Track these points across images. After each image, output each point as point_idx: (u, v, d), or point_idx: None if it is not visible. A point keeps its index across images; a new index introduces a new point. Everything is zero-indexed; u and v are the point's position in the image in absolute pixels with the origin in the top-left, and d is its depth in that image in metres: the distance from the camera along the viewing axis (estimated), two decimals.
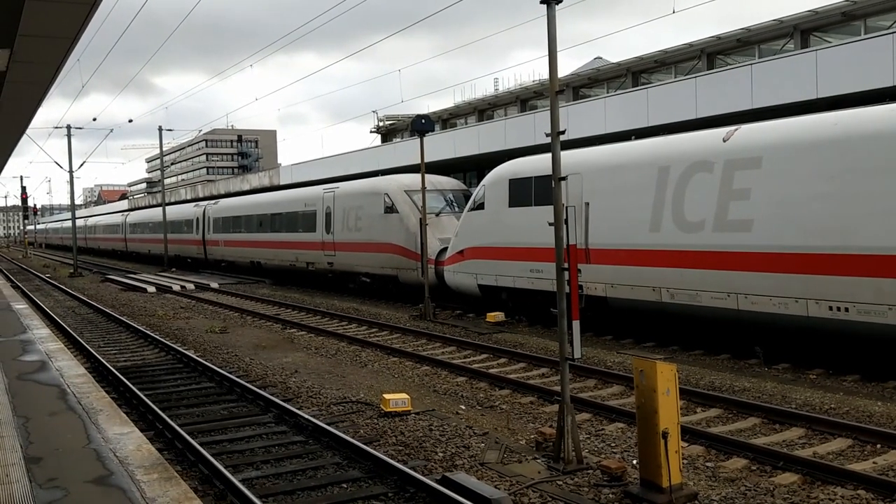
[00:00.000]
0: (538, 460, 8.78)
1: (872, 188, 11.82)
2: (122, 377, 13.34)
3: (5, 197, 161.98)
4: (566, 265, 8.90)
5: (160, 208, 49.97)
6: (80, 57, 28.12)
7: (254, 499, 7.39)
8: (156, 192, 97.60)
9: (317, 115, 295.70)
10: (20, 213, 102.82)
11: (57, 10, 9.80)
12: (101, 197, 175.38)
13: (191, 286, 33.32)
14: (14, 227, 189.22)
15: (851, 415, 10.39)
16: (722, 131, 14.55)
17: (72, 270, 45.38)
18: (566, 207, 9.01)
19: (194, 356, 15.61)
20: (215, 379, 13.74)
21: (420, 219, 22.20)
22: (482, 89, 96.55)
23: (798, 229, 12.72)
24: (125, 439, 7.60)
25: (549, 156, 9.17)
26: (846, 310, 12.07)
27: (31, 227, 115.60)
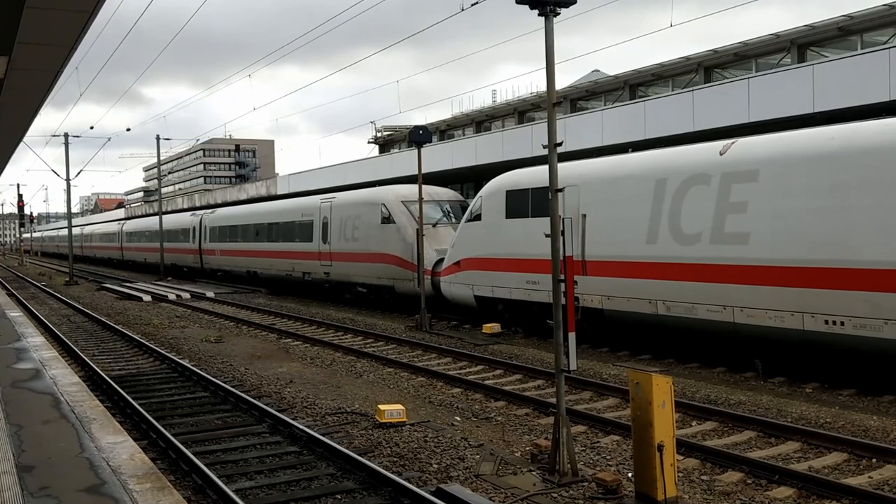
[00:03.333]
0: (533, 472, 8.75)
1: (869, 202, 11.84)
2: (116, 386, 13.29)
3: (2, 205, 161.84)
4: (563, 277, 8.90)
5: (157, 217, 49.93)
6: (78, 66, 28.15)
7: None
8: (153, 200, 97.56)
9: (306, 125, 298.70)
10: (16, 221, 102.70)
11: (55, 18, 9.81)
12: (98, 205, 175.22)
13: (186, 295, 33.26)
14: (10, 235, 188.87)
15: (847, 429, 10.38)
16: (719, 144, 14.59)
17: (67, 279, 45.29)
18: (563, 219, 9.02)
19: (189, 365, 15.56)
20: (210, 388, 13.69)
21: (417, 229, 22.20)
22: (468, 101, 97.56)
23: (794, 243, 12.73)
24: (118, 448, 7.55)
25: (546, 167, 9.18)
26: (842, 324, 12.07)
27: (28, 235, 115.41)
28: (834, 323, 12.18)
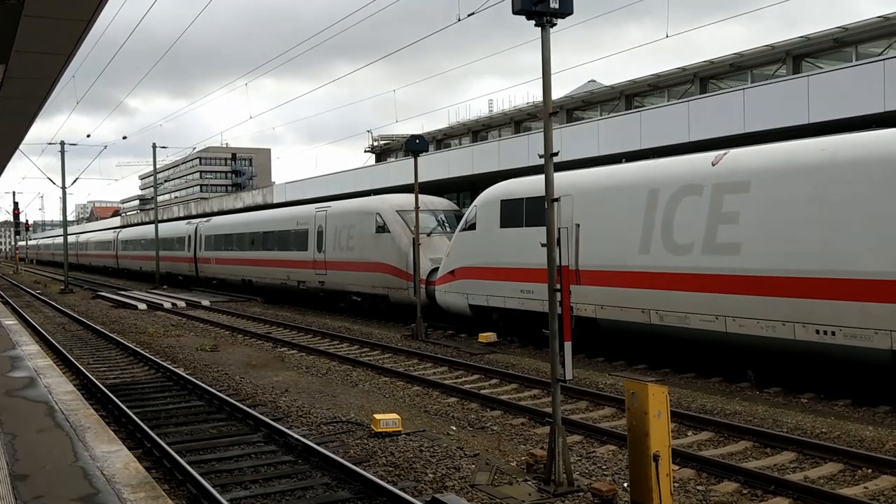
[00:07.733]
0: (529, 482, 8.75)
1: (859, 213, 11.89)
2: (110, 395, 13.25)
3: None
4: (558, 286, 8.91)
5: (152, 225, 49.87)
6: (75, 74, 28.16)
7: None
8: (148, 209, 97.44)
9: (292, 136, 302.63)
10: (11, 229, 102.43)
11: (52, 27, 9.84)
12: (94, 213, 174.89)
13: (182, 304, 33.19)
14: (5, 243, 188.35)
15: (842, 439, 10.39)
16: (711, 155, 14.64)
17: (63, 287, 45.20)
18: (558, 229, 9.04)
19: (184, 374, 15.52)
20: (205, 397, 13.66)
21: (412, 238, 22.20)
22: (464, 111, 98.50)
23: (785, 253, 12.77)
24: (113, 457, 7.53)
25: (540, 177, 9.23)
26: (833, 333, 12.10)
27: (23, 243, 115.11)
28: (825, 333, 12.21)
